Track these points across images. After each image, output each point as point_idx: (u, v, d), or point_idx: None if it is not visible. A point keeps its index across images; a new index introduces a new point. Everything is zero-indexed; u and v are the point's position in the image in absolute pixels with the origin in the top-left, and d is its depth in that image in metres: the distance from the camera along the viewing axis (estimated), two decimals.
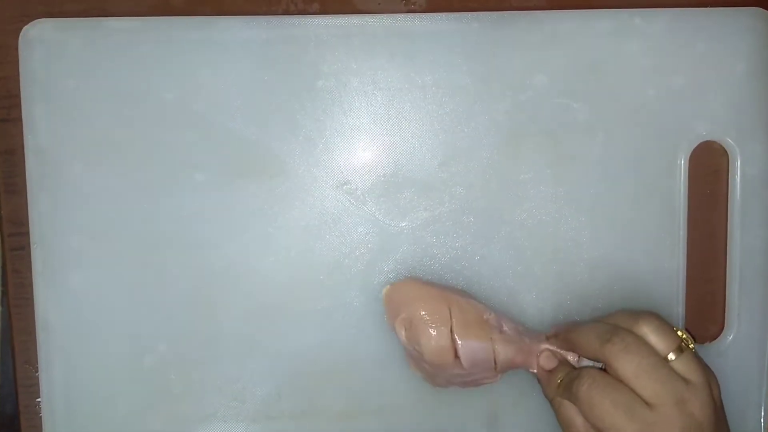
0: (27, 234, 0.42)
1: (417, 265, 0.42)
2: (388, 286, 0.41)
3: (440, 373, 0.40)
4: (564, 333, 0.38)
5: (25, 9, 0.42)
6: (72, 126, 0.42)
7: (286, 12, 0.42)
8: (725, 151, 0.43)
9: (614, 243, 0.42)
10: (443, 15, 0.42)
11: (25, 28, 0.41)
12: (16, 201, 0.43)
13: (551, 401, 0.38)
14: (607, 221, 0.42)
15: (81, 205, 0.42)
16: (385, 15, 0.42)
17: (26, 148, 0.42)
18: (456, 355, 0.38)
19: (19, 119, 0.42)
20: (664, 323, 0.35)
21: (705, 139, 0.42)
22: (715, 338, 0.43)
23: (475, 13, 0.42)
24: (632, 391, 0.33)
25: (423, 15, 0.42)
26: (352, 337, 0.42)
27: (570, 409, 0.36)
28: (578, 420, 0.35)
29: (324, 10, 0.42)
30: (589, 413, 0.34)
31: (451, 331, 0.38)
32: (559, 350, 0.38)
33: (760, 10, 0.42)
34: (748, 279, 0.42)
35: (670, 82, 0.42)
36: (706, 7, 0.42)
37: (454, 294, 0.40)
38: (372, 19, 0.41)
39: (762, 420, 0.42)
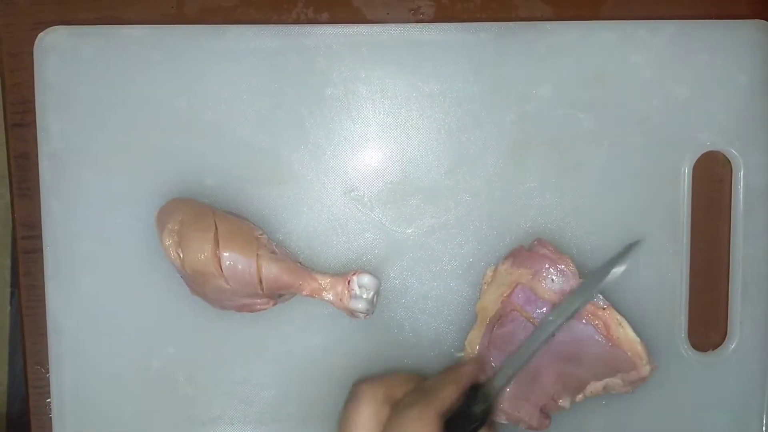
0: (39, 237, 0.43)
1: (423, 271, 0.43)
2: (158, 210, 0.41)
3: (207, 288, 0.39)
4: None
5: (40, 16, 0.43)
6: (85, 131, 0.42)
7: (297, 21, 0.43)
8: (728, 161, 0.43)
9: (618, 251, 0.42)
10: (451, 25, 0.42)
11: (40, 35, 0.42)
12: (28, 205, 0.43)
13: None
14: (611, 229, 0.43)
15: (92, 209, 0.43)
16: (394, 25, 0.42)
17: (40, 153, 0.42)
18: (220, 267, 0.38)
19: (33, 124, 0.42)
20: None
21: (708, 149, 0.43)
22: (717, 346, 0.43)
23: (482, 24, 0.42)
24: None
25: (431, 25, 0.42)
26: (358, 342, 0.43)
27: None
28: None
29: (333, 20, 0.43)
30: None
31: (216, 240, 0.38)
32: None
33: (762, 22, 0.42)
34: (750, 288, 0.43)
35: (674, 93, 0.42)
36: (709, 19, 0.43)
37: (222, 211, 0.40)
38: (381, 29, 0.42)
39: (764, 428, 0.43)
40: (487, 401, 0.36)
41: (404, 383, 0.36)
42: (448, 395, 0.35)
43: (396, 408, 0.34)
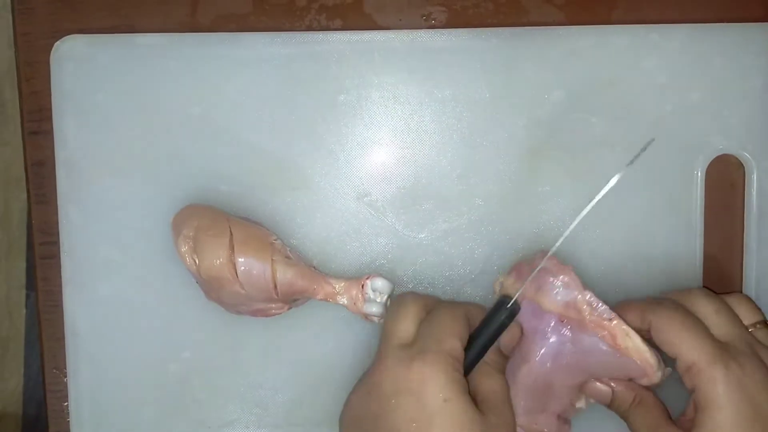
0: (56, 243, 0.43)
1: (436, 276, 0.43)
2: (173, 217, 0.41)
3: (222, 294, 0.40)
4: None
5: (56, 25, 0.43)
6: (101, 139, 0.43)
7: (309, 28, 0.43)
8: (741, 165, 0.43)
9: (631, 255, 0.43)
10: (463, 31, 0.42)
11: (56, 43, 0.42)
12: (46, 211, 0.44)
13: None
14: (624, 234, 0.43)
15: (109, 215, 0.43)
16: (406, 31, 0.42)
17: (56, 160, 0.43)
18: (235, 273, 0.38)
19: (50, 132, 0.43)
20: (754, 303, 0.38)
21: (721, 153, 0.43)
22: None
23: (494, 29, 0.42)
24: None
25: (443, 31, 0.42)
26: (372, 345, 0.43)
27: None
28: None
29: (346, 27, 0.43)
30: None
31: (231, 246, 0.38)
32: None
33: None
34: (764, 291, 0.43)
35: (686, 97, 0.42)
36: (722, 22, 0.43)
37: (237, 217, 0.41)
38: (393, 35, 0.42)
39: None
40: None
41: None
42: (476, 309, 0.38)
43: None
